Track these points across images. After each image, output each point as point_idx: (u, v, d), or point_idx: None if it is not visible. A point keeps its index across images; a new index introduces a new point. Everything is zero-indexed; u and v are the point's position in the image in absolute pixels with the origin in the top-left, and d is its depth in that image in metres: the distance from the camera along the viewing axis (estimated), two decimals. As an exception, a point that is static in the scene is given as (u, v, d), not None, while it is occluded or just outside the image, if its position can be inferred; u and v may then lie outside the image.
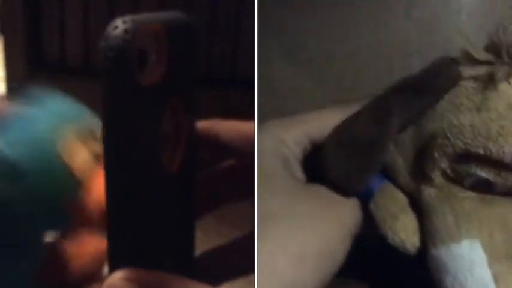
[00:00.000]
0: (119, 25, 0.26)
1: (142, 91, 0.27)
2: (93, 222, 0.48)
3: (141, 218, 0.28)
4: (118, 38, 0.25)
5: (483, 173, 0.39)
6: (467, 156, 0.39)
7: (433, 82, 0.40)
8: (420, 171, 0.41)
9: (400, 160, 0.42)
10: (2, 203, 0.44)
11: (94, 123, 0.49)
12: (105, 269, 0.65)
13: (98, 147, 0.48)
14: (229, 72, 0.97)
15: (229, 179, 0.33)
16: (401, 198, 0.43)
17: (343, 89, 0.48)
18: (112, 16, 0.26)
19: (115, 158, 0.26)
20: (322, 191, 0.39)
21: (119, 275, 0.27)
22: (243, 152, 0.32)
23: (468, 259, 0.37)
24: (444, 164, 0.40)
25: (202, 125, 0.32)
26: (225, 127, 0.32)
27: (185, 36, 0.30)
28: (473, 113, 0.38)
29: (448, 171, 0.40)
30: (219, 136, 0.32)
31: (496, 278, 0.37)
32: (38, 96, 0.50)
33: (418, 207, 0.42)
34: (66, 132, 0.47)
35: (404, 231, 0.41)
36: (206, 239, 0.34)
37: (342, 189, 0.39)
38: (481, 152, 0.38)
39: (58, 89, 0.59)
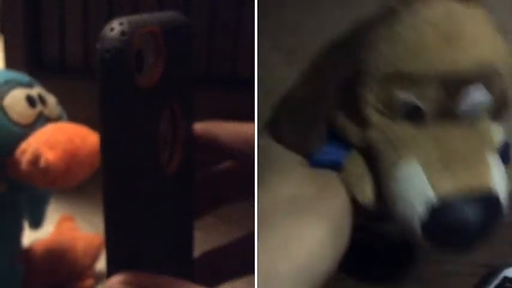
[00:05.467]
0: (116, 27, 0.25)
1: (140, 93, 0.26)
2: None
3: (140, 219, 0.27)
4: (115, 39, 0.25)
5: (408, 97, 0.41)
6: (391, 83, 0.41)
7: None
8: (359, 117, 0.43)
9: (346, 119, 0.44)
10: None
11: (44, 91, 0.55)
12: (98, 265, 0.66)
13: (44, 109, 0.54)
14: (229, 72, 0.97)
15: (229, 179, 0.33)
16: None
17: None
18: (112, 17, 0.26)
19: (113, 159, 0.26)
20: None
21: (117, 279, 0.27)
22: (242, 153, 0.32)
23: (409, 179, 0.40)
24: (373, 99, 0.42)
25: (201, 126, 0.31)
26: (224, 128, 0.32)
27: (182, 37, 0.29)
28: (390, 38, 0.41)
29: (379, 106, 0.42)
30: (218, 137, 0.31)
31: (434, 187, 0.40)
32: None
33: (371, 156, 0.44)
34: (13, 92, 0.52)
35: (372, 189, 0.43)
36: (206, 239, 0.34)
37: (296, 153, 0.41)
38: (405, 70, 0.40)
39: (58, 89, 0.59)
